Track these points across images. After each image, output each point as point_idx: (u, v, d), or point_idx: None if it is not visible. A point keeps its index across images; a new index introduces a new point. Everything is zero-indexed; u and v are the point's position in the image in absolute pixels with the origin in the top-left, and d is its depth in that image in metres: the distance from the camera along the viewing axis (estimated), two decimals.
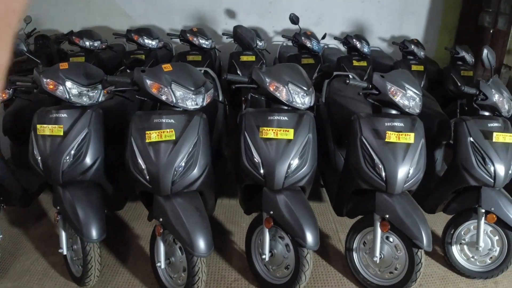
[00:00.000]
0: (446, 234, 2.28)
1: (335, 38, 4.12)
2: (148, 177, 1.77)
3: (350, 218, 2.21)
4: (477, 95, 2.08)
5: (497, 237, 2.15)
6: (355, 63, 3.72)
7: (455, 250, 2.27)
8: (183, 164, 1.77)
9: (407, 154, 1.85)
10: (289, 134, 1.82)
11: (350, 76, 2.89)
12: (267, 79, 1.87)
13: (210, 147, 1.92)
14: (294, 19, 3.78)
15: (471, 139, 2.02)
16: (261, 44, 3.93)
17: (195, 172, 1.81)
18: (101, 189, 2.14)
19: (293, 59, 3.78)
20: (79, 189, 1.99)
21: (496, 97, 2.06)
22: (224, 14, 5.16)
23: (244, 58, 3.62)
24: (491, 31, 5.53)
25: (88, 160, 1.96)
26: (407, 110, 1.93)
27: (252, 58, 3.60)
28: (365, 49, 3.79)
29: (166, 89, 1.82)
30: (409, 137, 1.86)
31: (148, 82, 1.82)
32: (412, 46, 3.86)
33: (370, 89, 1.92)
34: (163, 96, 1.83)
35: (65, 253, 2.07)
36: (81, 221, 1.90)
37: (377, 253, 1.96)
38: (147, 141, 1.77)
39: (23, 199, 2.38)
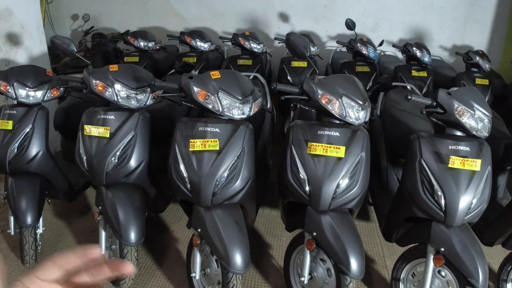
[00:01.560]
0: (502, 270, 2.04)
1: (394, 45, 3.88)
2: (189, 186, 1.73)
3: (399, 246, 2.03)
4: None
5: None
6: (414, 73, 3.47)
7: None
8: (225, 176, 1.71)
9: (471, 183, 1.63)
10: (340, 151, 1.69)
11: (409, 88, 2.70)
12: (319, 91, 1.75)
13: (254, 159, 1.84)
14: (350, 25, 3.61)
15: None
16: (313, 49, 3.79)
17: (238, 184, 1.74)
18: (143, 192, 2.14)
19: (347, 66, 3.61)
20: (121, 191, 2.00)
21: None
22: (277, 18, 5.09)
23: (295, 64, 3.51)
24: None
25: (132, 163, 1.95)
26: (474, 132, 1.71)
27: (304, 64, 3.48)
28: (426, 59, 3.53)
29: (213, 97, 1.78)
30: (475, 164, 1.64)
31: (195, 89, 1.78)
32: (477, 58, 3.55)
33: (434, 107, 1.72)
34: (209, 104, 1.79)
35: (103, 252, 2.09)
36: (121, 224, 1.91)
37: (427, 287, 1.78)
38: (190, 149, 1.73)
39: (69, 194, 2.45)
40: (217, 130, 1.75)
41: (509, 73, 4.84)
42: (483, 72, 3.57)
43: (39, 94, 2.24)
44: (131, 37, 4.05)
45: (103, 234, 2.06)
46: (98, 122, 1.95)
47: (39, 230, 2.31)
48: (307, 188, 1.71)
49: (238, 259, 1.68)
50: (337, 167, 1.68)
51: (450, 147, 1.69)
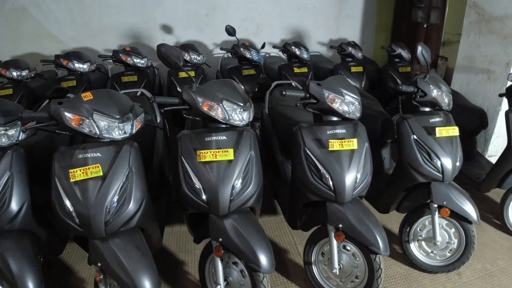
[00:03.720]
0: (402, 233, 2.27)
1: (274, 46, 4.08)
2: (77, 220, 1.58)
3: (304, 231, 2.12)
4: (415, 92, 2.08)
5: (453, 230, 2.17)
6: (296, 70, 3.70)
7: (413, 247, 2.27)
8: (115, 201, 1.60)
9: (352, 161, 1.80)
10: (229, 154, 1.70)
11: (293, 84, 2.86)
12: (199, 99, 1.75)
13: (145, 178, 1.74)
14: (230, 31, 3.70)
15: (415, 136, 2.02)
16: (199, 58, 3.80)
17: (131, 207, 1.64)
18: (33, 236, 1.89)
19: (233, 71, 3.69)
20: (8, 239, 1.76)
21: (434, 93, 2.08)
22: (160, 30, 5.00)
23: (183, 74, 3.46)
24: (425, 26, 5.80)
25: (13, 207, 1.73)
26: (347, 115, 1.88)
27: (192, 73, 3.46)
28: (305, 55, 3.78)
29: (87, 120, 1.64)
30: (352, 143, 1.81)
31: (67, 114, 1.63)
32: (350, 48, 3.92)
33: (308, 99, 1.85)
34: (85, 129, 1.65)
35: None
36: (15, 275, 1.68)
37: (336, 264, 1.89)
38: (71, 180, 1.58)
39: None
40: (99, 154, 1.63)
41: (382, 58, 5.45)
42: (357, 60, 3.95)
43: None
44: (2, 68, 3.62)
45: None
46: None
47: None
48: (203, 197, 1.70)
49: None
50: (228, 170, 1.69)
51: (328, 132, 1.84)
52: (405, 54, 4.04)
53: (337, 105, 1.84)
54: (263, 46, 4.09)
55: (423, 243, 2.24)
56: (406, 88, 2.07)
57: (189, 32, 5.03)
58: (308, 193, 1.87)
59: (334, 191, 1.79)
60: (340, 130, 1.84)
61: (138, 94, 2.69)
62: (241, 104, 1.81)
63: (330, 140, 1.80)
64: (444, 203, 2.03)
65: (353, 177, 1.79)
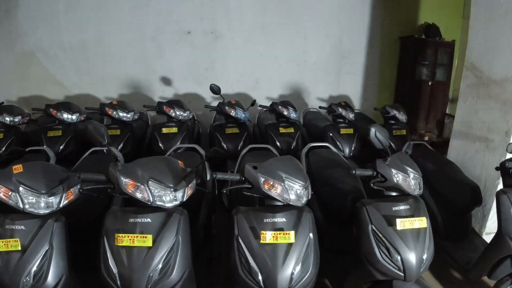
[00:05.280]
0: None
1: (260, 106, 4.00)
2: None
3: None
4: (374, 176, 1.91)
5: None
6: (282, 130, 3.60)
7: None
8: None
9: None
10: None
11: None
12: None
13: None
14: (215, 89, 3.66)
15: (373, 227, 1.81)
16: (185, 114, 3.76)
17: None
18: None
19: (218, 128, 3.63)
20: None
21: (398, 177, 1.89)
22: (159, 82, 5.08)
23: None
24: (429, 83, 5.67)
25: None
26: (290, 203, 1.76)
27: (174, 130, 3.42)
28: (292, 115, 3.69)
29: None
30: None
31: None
32: (340, 109, 3.80)
33: (243, 182, 1.76)
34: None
35: None
36: None
37: None
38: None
39: None
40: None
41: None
42: (348, 122, 3.80)
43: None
44: None
45: None
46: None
47: None
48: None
49: None
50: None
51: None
52: (400, 116, 3.89)
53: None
54: (253, 104, 4.03)
55: None
56: (362, 173, 1.90)
57: (188, 84, 5.09)
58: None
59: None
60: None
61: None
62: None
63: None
64: None
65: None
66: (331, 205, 2.46)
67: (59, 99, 4.08)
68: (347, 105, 3.91)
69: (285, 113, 3.67)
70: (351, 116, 3.83)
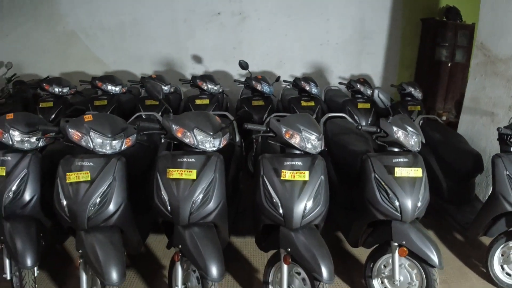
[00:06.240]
0: (366, 268, 2.32)
1: (284, 81, 4.34)
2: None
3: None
4: (378, 132, 2.24)
5: (415, 271, 2.18)
6: (304, 103, 3.93)
7: (375, 283, 2.30)
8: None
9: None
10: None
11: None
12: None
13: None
14: (243, 65, 4.02)
15: (375, 175, 2.15)
16: (216, 88, 4.15)
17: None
18: (39, 223, 2.29)
19: (245, 101, 3.99)
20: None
21: (399, 134, 2.20)
22: (191, 60, 5.47)
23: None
24: (449, 65, 5.81)
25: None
26: (307, 150, 2.12)
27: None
28: (314, 90, 4.00)
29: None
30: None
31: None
32: (358, 85, 4.08)
33: (268, 132, 2.13)
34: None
35: None
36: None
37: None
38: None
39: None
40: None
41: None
42: (366, 97, 4.08)
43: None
44: (46, 84, 4.16)
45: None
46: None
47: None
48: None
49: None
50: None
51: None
52: (416, 93, 4.11)
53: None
54: (277, 80, 4.36)
55: (385, 280, 2.26)
56: (367, 128, 2.24)
57: (217, 63, 5.46)
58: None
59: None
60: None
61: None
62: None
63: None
64: (403, 242, 2.09)
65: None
66: (344, 165, 2.80)
67: (99, 74, 4.51)
68: (366, 82, 4.19)
69: (307, 87, 3.99)
70: (369, 92, 4.09)
